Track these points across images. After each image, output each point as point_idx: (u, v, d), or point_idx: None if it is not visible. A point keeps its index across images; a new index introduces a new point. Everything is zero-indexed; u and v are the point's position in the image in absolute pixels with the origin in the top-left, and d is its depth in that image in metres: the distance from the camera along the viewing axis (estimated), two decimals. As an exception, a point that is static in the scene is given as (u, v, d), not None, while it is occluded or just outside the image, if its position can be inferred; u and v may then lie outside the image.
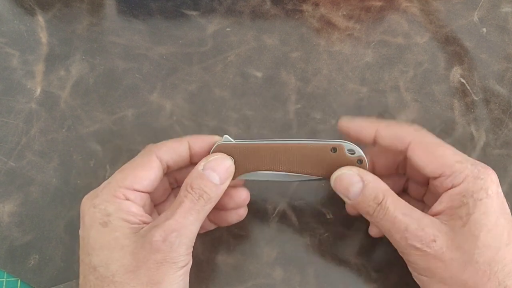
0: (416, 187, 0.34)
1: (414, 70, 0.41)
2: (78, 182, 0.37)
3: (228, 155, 0.31)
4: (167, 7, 0.43)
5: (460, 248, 0.27)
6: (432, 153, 0.29)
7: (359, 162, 0.30)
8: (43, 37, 0.42)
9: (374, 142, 0.31)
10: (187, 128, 0.39)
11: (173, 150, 0.31)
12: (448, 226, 0.28)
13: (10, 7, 0.43)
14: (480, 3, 0.44)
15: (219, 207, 0.32)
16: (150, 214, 0.31)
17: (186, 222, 0.28)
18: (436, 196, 0.30)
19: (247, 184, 0.33)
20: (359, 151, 0.30)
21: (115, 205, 0.28)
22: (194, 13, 0.43)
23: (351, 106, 0.40)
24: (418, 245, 0.27)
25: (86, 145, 0.38)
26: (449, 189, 0.28)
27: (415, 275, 0.30)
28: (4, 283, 0.35)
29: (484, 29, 0.43)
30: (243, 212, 0.33)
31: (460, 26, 0.43)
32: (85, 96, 0.40)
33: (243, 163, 0.31)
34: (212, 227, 0.35)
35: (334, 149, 0.30)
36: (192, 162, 0.32)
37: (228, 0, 0.44)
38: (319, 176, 0.31)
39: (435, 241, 0.27)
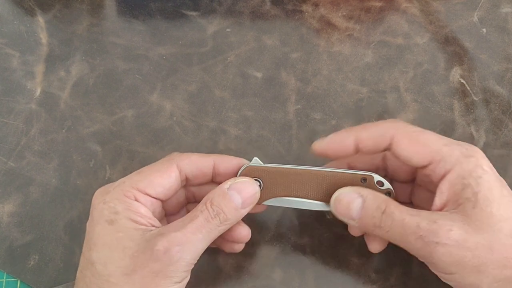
0: (401, 187, 0.33)
1: (414, 70, 0.41)
2: (78, 182, 0.37)
3: (256, 177, 0.30)
4: (167, 8, 0.43)
5: (480, 230, 0.26)
6: (417, 141, 0.28)
7: (388, 195, 0.30)
8: (43, 37, 0.42)
9: (356, 150, 0.30)
10: (187, 128, 0.39)
11: (196, 164, 0.30)
12: (459, 212, 0.27)
13: (10, 7, 0.43)
14: (480, 3, 0.44)
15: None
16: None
17: (193, 238, 0.27)
18: (427, 188, 0.30)
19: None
20: (388, 184, 0.30)
21: (124, 204, 0.28)
22: (194, 13, 0.43)
23: (351, 106, 0.40)
24: (436, 240, 0.26)
25: (86, 145, 0.38)
26: (443, 175, 0.28)
27: (445, 277, 0.28)
28: (4, 284, 0.35)
29: (484, 30, 0.43)
30: (237, 248, 0.33)
31: (460, 27, 0.43)
32: (85, 97, 0.40)
33: (271, 187, 0.31)
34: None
35: (364, 180, 0.30)
36: (213, 181, 0.32)
37: (228, 0, 0.44)
38: None
39: (451, 230, 0.26)
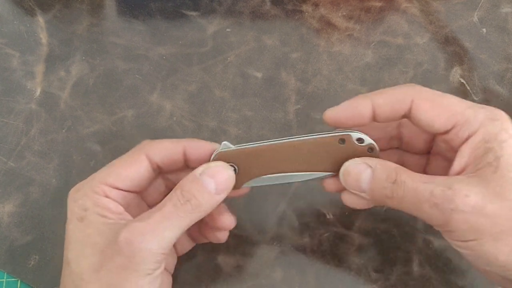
0: (415, 160, 0.31)
1: (414, 70, 0.41)
2: (78, 182, 0.37)
3: (230, 163, 0.29)
4: (167, 8, 0.43)
5: (500, 196, 0.24)
6: (439, 104, 0.27)
7: (370, 151, 0.29)
8: (43, 37, 0.42)
9: (373, 118, 0.28)
10: (187, 128, 0.39)
11: (166, 151, 0.29)
12: (477, 176, 0.25)
13: (10, 7, 0.43)
14: (480, 3, 0.44)
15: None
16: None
17: (159, 227, 0.26)
18: (444, 157, 0.28)
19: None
20: (368, 139, 0.28)
21: (92, 201, 0.27)
22: (194, 13, 0.43)
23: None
24: (452, 206, 0.24)
25: (86, 145, 0.38)
26: (466, 139, 0.26)
27: (460, 245, 0.26)
28: (4, 284, 0.35)
29: (484, 29, 0.43)
30: (221, 237, 0.31)
31: (460, 27, 0.43)
32: (85, 97, 0.40)
33: (247, 169, 0.29)
34: (190, 246, 0.33)
35: (342, 141, 0.28)
36: (188, 166, 0.30)
37: (228, 0, 0.44)
38: (330, 172, 0.29)
39: (468, 196, 0.24)
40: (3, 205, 0.37)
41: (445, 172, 0.28)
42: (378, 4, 0.44)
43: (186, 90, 0.40)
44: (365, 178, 0.27)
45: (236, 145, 0.29)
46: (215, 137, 0.39)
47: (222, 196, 0.28)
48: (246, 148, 0.29)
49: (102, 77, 0.41)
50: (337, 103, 0.40)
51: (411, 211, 0.26)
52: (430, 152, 0.31)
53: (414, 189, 0.25)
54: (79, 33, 0.42)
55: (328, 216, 0.36)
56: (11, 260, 0.35)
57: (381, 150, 0.30)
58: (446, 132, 0.26)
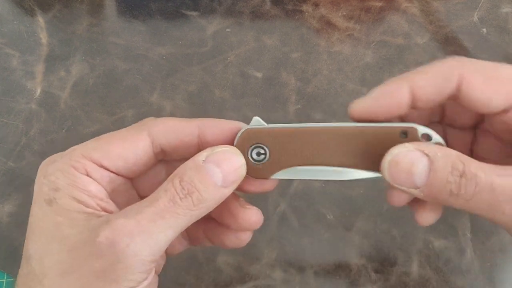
0: (459, 136, 0.26)
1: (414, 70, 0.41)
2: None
3: (259, 143, 0.23)
4: (167, 8, 0.43)
5: None
6: (495, 79, 0.22)
7: None
8: (43, 37, 0.42)
9: (412, 104, 0.23)
10: (187, 128, 0.39)
11: (175, 131, 0.24)
12: None
13: (10, 7, 0.43)
14: (480, 3, 0.44)
15: (219, 219, 0.25)
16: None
17: (151, 226, 0.20)
18: (497, 136, 0.24)
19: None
20: (437, 137, 0.23)
21: (68, 179, 0.21)
22: (194, 13, 0.43)
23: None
24: None
25: (86, 145, 0.38)
26: None
27: None
28: (4, 284, 0.35)
29: (484, 29, 0.43)
30: (245, 237, 0.26)
31: (460, 26, 0.43)
32: (85, 97, 0.40)
33: (280, 156, 0.23)
34: (183, 247, 0.27)
35: (404, 134, 0.23)
36: None
37: (228, 0, 0.44)
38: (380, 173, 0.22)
39: None
40: (3, 205, 0.37)
41: (496, 150, 0.24)
42: (378, 4, 0.44)
43: (186, 90, 0.40)
44: (421, 170, 0.21)
45: (270, 124, 0.24)
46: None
47: (230, 190, 0.22)
48: (282, 128, 0.23)
49: (102, 77, 0.41)
50: (337, 103, 0.40)
51: (483, 212, 0.21)
52: (478, 127, 0.25)
53: (489, 186, 0.20)
54: (79, 33, 0.42)
55: (328, 217, 0.36)
56: (11, 260, 0.35)
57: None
58: (506, 111, 0.22)
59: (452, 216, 0.36)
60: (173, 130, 0.24)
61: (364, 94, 0.40)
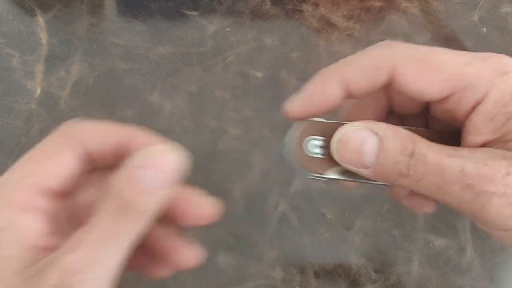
0: (414, 123, 0.25)
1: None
2: (78, 182, 0.37)
3: (319, 136, 0.22)
4: (167, 8, 0.43)
5: None
6: (428, 66, 0.20)
7: None
8: (43, 37, 0.42)
9: (347, 96, 0.22)
10: (187, 128, 0.39)
11: (101, 136, 0.22)
12: (509, 148, 0.19)
13: (10, 7, 0.43)
14: (480, 3, 0.44)
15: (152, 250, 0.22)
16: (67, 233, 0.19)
17: (99, 255, 0.18)
18: (448, 123, 0.23)
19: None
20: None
21: (5, 220, 0.19)
22: (194, 13, 0.43)
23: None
24: (492, 189, 0.18)
25: (86, 145, 0.38)
26: (473, 107, 0.20)
27: (500, 234, 0.21)
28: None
29: (484, 29, 0.43)
30: (165, 273, 0.23)
31: (460, 26, 0.43)
32: (85, 97, 0.40)
33: None
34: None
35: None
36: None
37: (228, 0, 0.44)
38: None
39: (510, 173, 0.19)
40: (3, 205, 0.37)
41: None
42: (378, 4, 0.44)
43: (186, 90, 0.40)
44: (370, 148, 0.20)
45: (327, 119, 0.23)
46: (215, 137, 0.39)
47: (170, 190, 0.20)
48: (342, 123, 0.22)
49: (102, 77, 0.41)
50: (337, 103, 0.40)
51: (432, 193, 0.20)
52: (429, 113, 0.25)
53: (438, 166, 0.19)
54: (79, 33, 0.42)
55: (328, 216, 0.36)
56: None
57: (376, 118, 0.24)
58: (444, 100, 0.21)
59: (452, 216, 0.36)
60: (99, 135, 0.22)
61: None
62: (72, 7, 0.43)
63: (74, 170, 0.21)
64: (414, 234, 0.35)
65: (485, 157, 0.19)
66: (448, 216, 0.36)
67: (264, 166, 0.37)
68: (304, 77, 0.41)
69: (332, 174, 0.22)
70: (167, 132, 0.39)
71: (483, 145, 0.20)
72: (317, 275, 0.34)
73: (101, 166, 0.22)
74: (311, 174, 0.23)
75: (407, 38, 0.42)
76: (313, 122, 0.22)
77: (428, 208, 0.24)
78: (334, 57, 0.42)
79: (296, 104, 0.23)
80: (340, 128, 0.21)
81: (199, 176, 0.37)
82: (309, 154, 0.23)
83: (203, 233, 0.35)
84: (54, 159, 0.20)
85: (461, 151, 0.20)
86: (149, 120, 0.39)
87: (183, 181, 0.21)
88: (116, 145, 0.22)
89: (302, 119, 0.23)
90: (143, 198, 0.19)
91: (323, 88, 0.22)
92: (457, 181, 0.19)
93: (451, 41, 0.42)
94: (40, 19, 0.43)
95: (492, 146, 0.20)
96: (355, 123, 0.21)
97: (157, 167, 0.19)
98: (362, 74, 0.22)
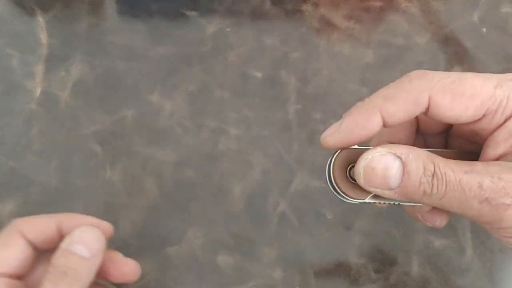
0: (434, 140, 0.28)
1: (414, 70, 0.41)
2: (78, 182, 0.37)
3: (353, 164, 0.24)
4: (167, 8, 0.43)
5: None
6: (462, 94, 0.22)
7: None
8: (43, 37, 0.42)
9: (383, 126, 0.24)
10: (187, 128, 0.39)
11: (39, 227, 0.27)
12: None
13: (10, 7, 0.43)
14: (480, 3, 0.44)
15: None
16: None
17: None
18: (467, 139, 0.25)
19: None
20: None
21: None
22: (194, 13, 0.43)
23: (352, 106, 0.40)
24: (508, 201, 0.20)
25: (86, 145, 0.38)
26: (502, 124, 0.22)
27: None
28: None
29: (484, 29, 0.43)
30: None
31: (460, 26, 0.43)
32: (85, 97, 0.40)
33: None
34: None
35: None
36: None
37: (228, 0, 0.44)
38: None
39: None
40: (3, 205, 0.37)
41: (467, 148, 0.25)
42: (378, 4, 0.44)
43: (186, 90, 0.40)
44: (396, 173, 0.22)
45: (359, 146, 0.24)
46: (215, 137, 0.39)
47: (99, 257, 0.26)
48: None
49: (102, 77, 0.41)
50: (337, 103, 0.40)
51: (453, 208, 0.22)
52: (449, 131, 0.27)
53: (457, 183, 0.21)
54: (79, 33, 0.42)
55: (328, 216, 0.36)
56: (11, 260, 0.35)
57: (401, 140, 0.26)
58: (473, 122, 0.23)
59: (452, 216, 0.36)
60: (38, 227, 0.27)
61: (364, 94, 0.40)
62: (72, 7, 0.43)
63: (23, 256, 0.27)
64: (414, 234, 0.35)
65: (499, 171, 0.21)
66: (448, 216, 0.36)
67: (264, 166, 0.37)
68: (304, 77, 0.41)
69: (369, 199, 0.24)
70: (167, 132, 0.39)
71: (499, 157, 0.22)
72: (317, 275, 0.34)
73: (48, 248, 0.28)
74: (353, 199, 0.24)
75: (407, 38, 0.42)
76: (353, 150, 0.24)
77: (442, 222, 0.27)
78: (334, 57, 0.42)
79: (336, 136, 0.24)
80: (364, 155, 0.23)
81: (199, 176, 0.37)
82: (352, 181, 0.24)
83: (203, 233, 0.35)
84: (5, 250, 0.26)
85: (476, 166, 0.21)
86: (149, 120, 0.39)
87: (107, 247, 0.27)
88: (57, 230, 0.28)
89: (339, 148, 0.24)
90: (80, 263, 0.25)
91: (364, 122, 0.23)
92: (476, 195, 0.21)
93: (451, 41, 0.42)
94: (40, 19, 0.43)
95: (506, 158, 0.22)
96: (379, 149, 0.22)
97: (89, 241, 0.26)
98: (402, 107, 0.23)
